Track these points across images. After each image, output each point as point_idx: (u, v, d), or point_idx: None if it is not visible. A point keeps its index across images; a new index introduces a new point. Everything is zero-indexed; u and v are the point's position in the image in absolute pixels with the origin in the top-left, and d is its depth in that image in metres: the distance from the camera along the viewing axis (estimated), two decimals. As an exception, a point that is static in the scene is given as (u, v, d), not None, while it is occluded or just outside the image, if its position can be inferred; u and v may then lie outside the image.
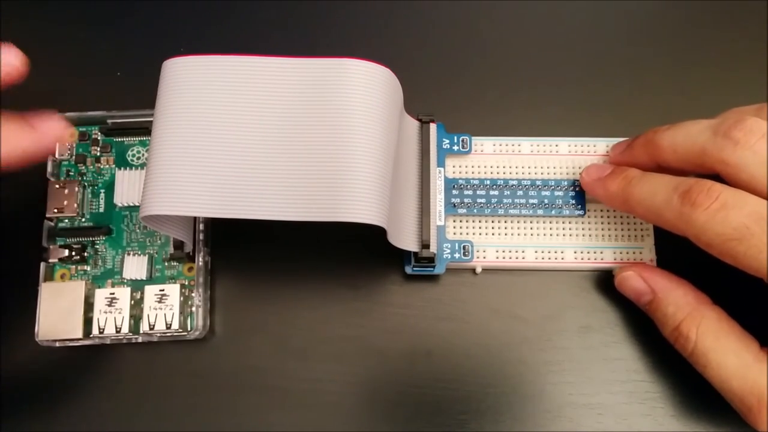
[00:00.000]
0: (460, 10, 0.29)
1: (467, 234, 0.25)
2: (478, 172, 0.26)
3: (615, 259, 0.25)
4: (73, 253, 0.25)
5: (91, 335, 0.24)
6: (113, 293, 0.24)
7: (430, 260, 0.24)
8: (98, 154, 0.26)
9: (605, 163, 0.25)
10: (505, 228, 0.25)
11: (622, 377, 0.24)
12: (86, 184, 0.26)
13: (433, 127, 0.26)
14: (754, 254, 0.19)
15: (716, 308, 0.22)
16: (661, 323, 0.23)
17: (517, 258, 0.25)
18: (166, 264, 0.25)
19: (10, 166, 0.21)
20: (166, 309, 0.24)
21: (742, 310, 0.22)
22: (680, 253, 0.25)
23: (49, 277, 0.25)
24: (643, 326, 0.24)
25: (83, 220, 0.26)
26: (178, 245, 0.25)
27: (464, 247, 0.25)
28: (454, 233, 0.25)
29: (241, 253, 0.26)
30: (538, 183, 0.25)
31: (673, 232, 0.21)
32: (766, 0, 0.28)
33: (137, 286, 0.25)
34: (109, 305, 0.24)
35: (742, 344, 0.21)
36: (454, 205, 0.25)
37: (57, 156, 0.26)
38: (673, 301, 0.22)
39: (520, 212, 0.25)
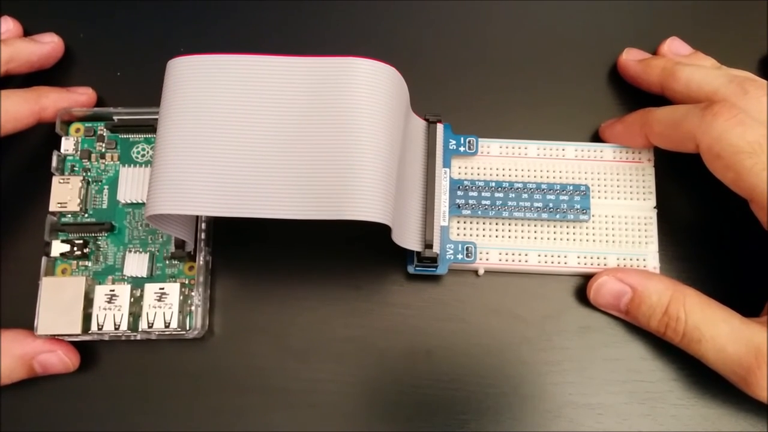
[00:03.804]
0: (469, 11, 0.27)
1: (471, 235, 0.23)
2: (484, 174, 0.24)
3: (618, 266, 0.23)
4: (75, 249, 0.23)
5: (90, 331, 0.22)
6: (113, 290, 0.22)
7: (433, 260, 0.23)
8: (103, 150, 0.24)
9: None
10: (509, 231, 0.23)
11: (622, 377, 0.23)
12: (90, 180, 0.24)
13: (440, 127, 0.24)
14: (758, 171, 0.20)
15: (690, 287, 0.22)
16: (647, 316, 0.22)
17: (519, 261, 0.23)
18: (167, 262, 0.23)
19: (18, 73, 0.25)
20: (165, 307, 0.22)
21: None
22: (683, 261, 0.24)
23: (50, 272, 0.23)
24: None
25: (86, 215, 0.24)
26: (180, 244, 0.23)
27: (467, 249, 0.23)
28: (458, 234, 0.23)
29: (241, 252, 0.24)
30: (543, 186, 0.24)
31: (686, 150, 0.21)
32: (766, 0, 0.27)
33: (137, 283, 0.23)
34: (109, 302, 0.22)
35: (726, 312, 0.21)
36: (459, 206, 0.23)
37: (62, 151, 0.24)
38: (654, 289, 0.22)
39: (525, 215, 0.23)
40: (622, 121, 0.24)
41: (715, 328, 0.20)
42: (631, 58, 0.25)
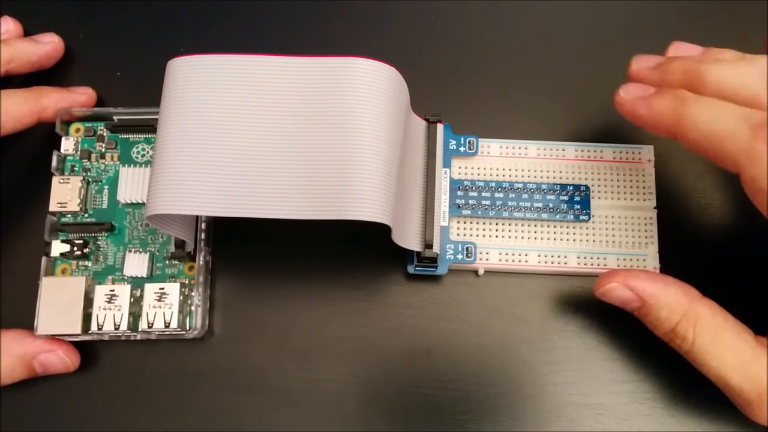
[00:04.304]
0: (469, 11, 0.27)
1: (471, 235, 0.23)
2: (484, 174, 0.24)
3: (618, 266, 0.23)
4: (75, 249, 0.23)
5: (90, 331, 0.22)
6: (113, 290, 0.22)
7: (433, 260, 0.22)
8: (103, 150, 0.24)
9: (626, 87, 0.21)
10: (509, 231, 0.23)
11: (622, 377, 0.23)
12: (90, 180, 0.24)
13: (440, 127, 0.24)
14: None
15: (708, 302, 0.20)
16: (654, 326, 0.20)
17: (519, 261, 0.23)
18: (167, 262, 0.23)
19: (18, 73, 0.25)
20: (165, 307, 0.22)
21: (744, 317, 0.20)
22: (683, 261, 0.23)
23: (50, 272, 0.23)
24: (644, 326, 0.22)
25: (86, 215, 0.24)
26: (180, 244, 0.23)
27: (467, 249, 0.23)
28: (458, 234, 0.23)
29: (241, 252, 0.24)
30: (543, 187, 0.23)
31: (722, 166, 0.18)
32: (766, 0, 0.26)
33: (137, 283, 0.23)
34: (109, 302, 0.22)
35: (739, 339, 0.19)
36: (459, 206, 0.23)
37: (62, 151, 0.24)
38: (665, 305, 0.20)
39: (525, 215, 0.23)
40: (648, 105, 0.20)
41: (723, 356, 0.19)
42: (642, 66, 0.21)
